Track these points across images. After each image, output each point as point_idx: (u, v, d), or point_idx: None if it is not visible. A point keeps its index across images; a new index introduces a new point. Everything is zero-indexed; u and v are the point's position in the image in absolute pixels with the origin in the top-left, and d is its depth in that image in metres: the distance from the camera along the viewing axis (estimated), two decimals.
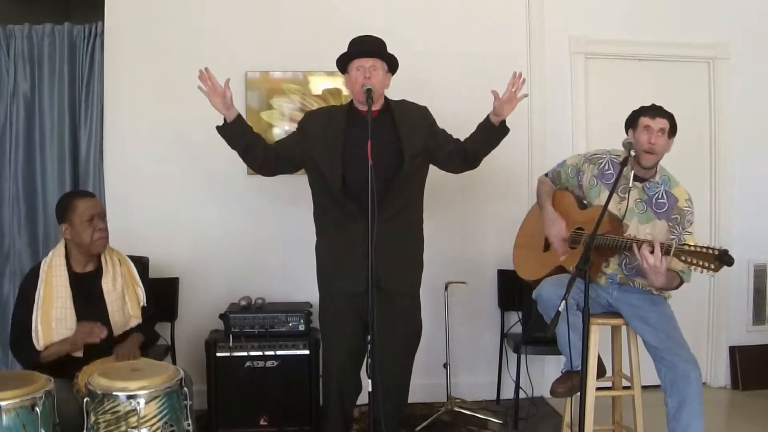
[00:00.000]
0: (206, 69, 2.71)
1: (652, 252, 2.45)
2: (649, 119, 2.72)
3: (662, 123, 2.72)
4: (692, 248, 2.38)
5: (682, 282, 2.65)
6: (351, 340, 2.82)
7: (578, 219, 2.85)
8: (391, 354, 2.77)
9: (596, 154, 2.90)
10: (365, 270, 2.43)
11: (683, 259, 2.39)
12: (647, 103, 2.82)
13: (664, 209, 2.72)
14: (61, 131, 3.76)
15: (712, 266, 2.33)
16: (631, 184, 2.72)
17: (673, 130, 2.75)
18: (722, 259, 2.31)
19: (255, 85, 3.82)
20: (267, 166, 2.88)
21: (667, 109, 2.79)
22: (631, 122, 2.81)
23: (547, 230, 2.89)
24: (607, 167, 2.83)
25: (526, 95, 2.79)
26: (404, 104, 2.89)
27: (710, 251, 2.33)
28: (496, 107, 2.74)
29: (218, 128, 2.80)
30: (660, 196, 2.73)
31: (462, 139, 2.90)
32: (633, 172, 2.74)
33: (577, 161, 2.94)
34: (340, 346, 2.84)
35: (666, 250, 2.42)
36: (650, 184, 2.74)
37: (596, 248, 2.47)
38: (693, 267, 2.39)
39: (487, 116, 2.80)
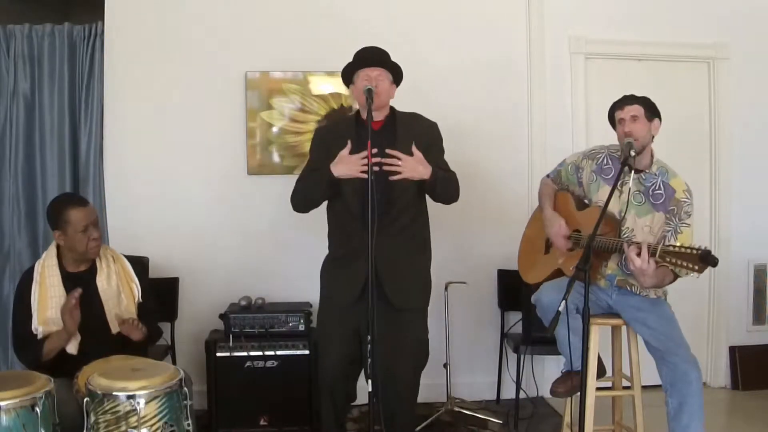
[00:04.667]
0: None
1: (639, 254, 2.40)
2: (620, 111, 2.74)
3: (632, 110, 2.70)
4: (677, 249, 2.31)
5: (676, 277, 2.57)
6: (347, 352, 2.78)
7: (576, 221, 2.85)
8: (397, 367, 2.74)
9: (594, 150, 2.90)
10: (366, 278, 2.44)
11: (668, 260, 2.32)
12: None
13: (661, 200, 2.68)
14: (61, 131, 3.76)
15: (696, 267, 2.26)
16: (626, 178, 2.69)
17: (651, 112, 2.71)
18: (705, 259, 2.23)
19: (255, 85, 3.82)
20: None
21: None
22: (611, 121, 2.83)
23: (547, 230, 2.89)
24: (605, 162, 2.82)
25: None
26: (413, 117, 2.84)
27: (694, 251, 2.26)
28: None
29: (332, 178, 2.64)
30: (657, 188, 2.69)
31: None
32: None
33: (576, 159, 2.94)
34: (334, 361, 2.78)
35: (652, 252, 2.37)
36: (646, 175, 2.72)
37: (593, 250, 2.46)
38: (678, 269, 2.34)
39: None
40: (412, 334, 2.79)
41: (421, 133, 2.77)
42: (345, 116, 3.01)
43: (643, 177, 2.72)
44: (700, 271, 2.28)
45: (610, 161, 2.81)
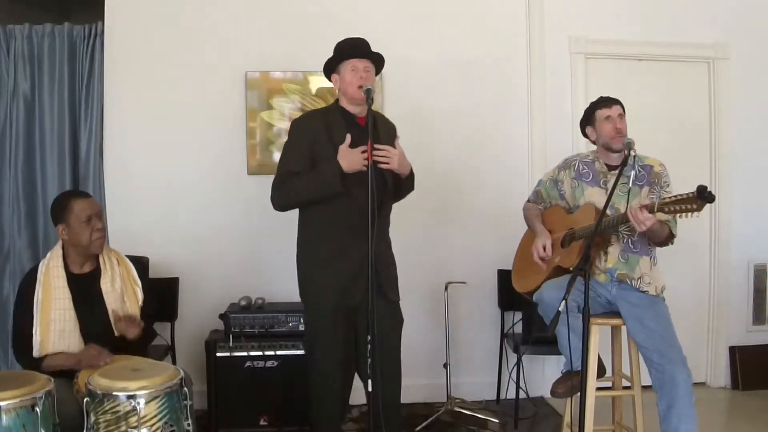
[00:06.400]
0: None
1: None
2: (607, 109, 2.86)
3: (618, 109, 2.85)
4: (672, 198, 2.41)
5: (671, 234, 2.69)
6: (347, 347, 2.79)
7: (569, 221, 2.89)
8: (391, 359, 2.79)
9: (566, 160, 3.02)
10: (365, 278, 2.44)
11: (667, 210, 2.41)
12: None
13: (644, 179, 2.80)
14: (61, 131, 3.76)
15: (695, 206, 2.34)
16: (608, 176, 2.83)
17: (624, 111, 2.88)
18: (702, 195, 2.31)
19: (255, 85, 3.82)
20: None
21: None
22: (587, 119, 2.92)
23: (534, 243, 2.93)
24: (581, 168, 2.93)
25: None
26: (380, 115, 2.92)
27: (689, 194, 2.35)
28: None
29: (342, 177, 2.63)
30: (638, 172, 2.79)
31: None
32: (604, 163, 2.87)
33: (552, 174, 3.04)
34: (339, 358, 2.77)
35: (650, 209, 2.47)
36: (624, 168, 2.74)
37: (590, 237, 2.48)
38: (679, 215, 2.41)
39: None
40: (398, 328, 2.87)
41: (390, 131, 2.86)
42: (322, 108, 2.94)
43: (625, 174, 2.74)
44: (700, 208, 2.35)
45: (585, 166, 2.92)
